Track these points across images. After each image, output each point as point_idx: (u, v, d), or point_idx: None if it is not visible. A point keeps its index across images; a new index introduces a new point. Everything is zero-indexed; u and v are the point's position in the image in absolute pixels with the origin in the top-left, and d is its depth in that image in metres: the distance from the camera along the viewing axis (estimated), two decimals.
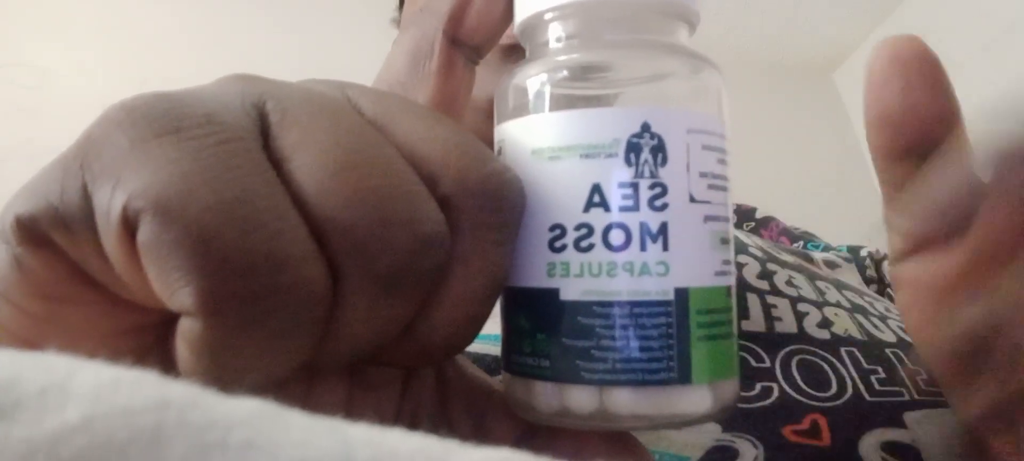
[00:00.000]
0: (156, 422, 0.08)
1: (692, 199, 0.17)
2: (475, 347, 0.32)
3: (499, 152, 0.18)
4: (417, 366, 0.17)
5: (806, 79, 1.86)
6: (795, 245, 0.57)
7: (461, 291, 0.15)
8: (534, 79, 0.18)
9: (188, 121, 0.13)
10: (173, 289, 0.12)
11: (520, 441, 0.18)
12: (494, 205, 0.15)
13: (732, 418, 0.28)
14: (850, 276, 0.51)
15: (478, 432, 0.18)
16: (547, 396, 0.17)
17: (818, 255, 0.51)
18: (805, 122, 1.82)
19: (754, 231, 0.61)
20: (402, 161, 0.15)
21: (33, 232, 0.13)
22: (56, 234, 0.13)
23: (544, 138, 0.17)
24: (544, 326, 0.17)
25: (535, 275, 0.17)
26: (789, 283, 0.37)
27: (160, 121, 0.13)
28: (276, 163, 0.14)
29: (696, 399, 0.16)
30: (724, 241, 0.17)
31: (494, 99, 0.19)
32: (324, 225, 0.13)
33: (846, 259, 0.53)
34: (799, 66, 1.84)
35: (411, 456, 0.09)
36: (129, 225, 0.12)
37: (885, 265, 0.54)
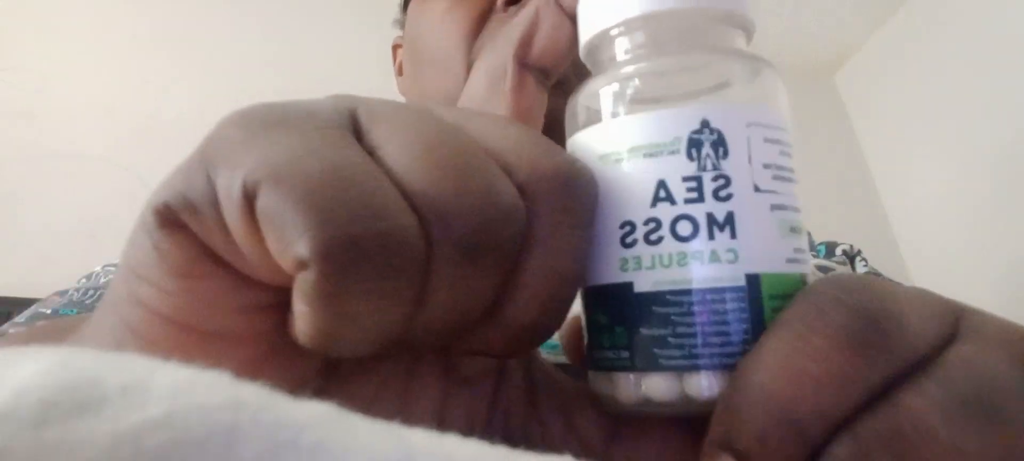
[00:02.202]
0: (232, 421, 0.09)
1: (757, 189, 0.17)
2: None
3: None
4: (506, 354, 0.17)
5: (807, 81, 1.87)
6: None
7: (543, 270, 0.16)
8: (602, 91, 0.19)
9: (292, 116, 0.15)
10: (289, 244, 0.14)
11: (608, 439, 0.19)
12: (568, 191, 0.16)
13: None
14: None
15: (567, 430, 0.19)
16: (628, 387, 0.17)
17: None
18: (806, 124, 1.82)
19: None
20: (480, 147, 0.16)
21: (168, 218, 0.15)
22: (187, 217, 0.15)
23: (610, 143, 0.18)
24: (621, 319, 0.17)
25: (609, 272, 0.18)
26: None
27: (268, 117, 0.15)
28: (369, 152, 0.16)
29: None
30: (794, 230, 0.18)
31: (565, 117, 0.20)
32: (412, 195, 0.15)
33: (840, 262, 0.54)
34: (800, 68, 1.85)
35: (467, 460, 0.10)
36: (248, 199, 0.14)
37: (858, 261, 0.55)
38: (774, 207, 0.17)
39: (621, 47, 0.20)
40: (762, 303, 0.17)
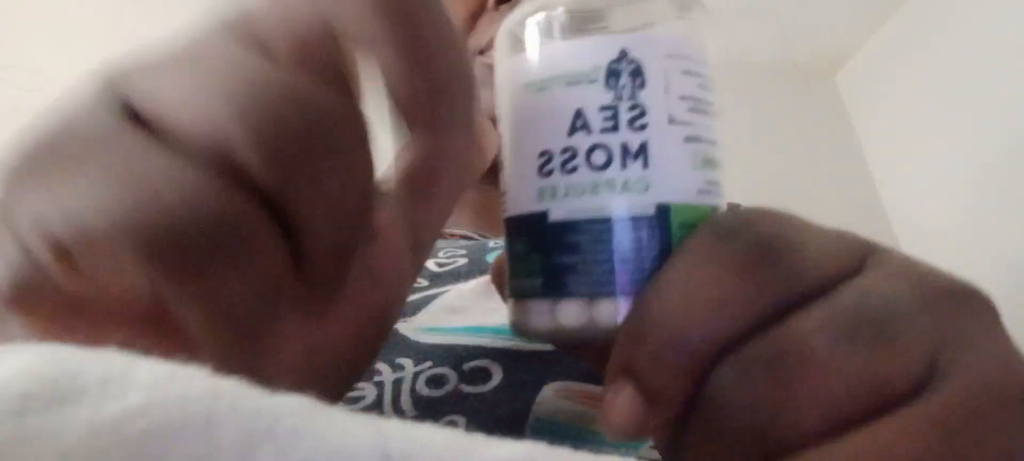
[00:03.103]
0: (209, 409, 0.09)
1: (671, 120, 0.17)
2: (440, 340, 0.32)
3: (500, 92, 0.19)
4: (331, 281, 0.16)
5: (808, 81, 1.87)
6: None
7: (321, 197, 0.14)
8: (527, 19, 0.19)
9: (64, 145, 0.14)
10: (122, 279, 0.13)
11: None
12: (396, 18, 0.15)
13: None
14: None
15: None
16: (542, 314, 0.17)
17: None
18: (806, 124, 1.82)
19: None
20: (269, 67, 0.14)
21: (11, 303, 0.14)
22: (25, 297, 0.14)
23: (532, 72, 0.18)
24: (536, 247, 0.17)
25: (527, 201, 0.18)
26: None
27: (42, 157, 0.14)
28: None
29: None
30: (708, 162, 0.18)
31: (495, 45, 0.20)
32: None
33: None
34: (800, 68, 1.84)
35: (440, 448, 0.10)
36: (64, 256, 0.13)
37: None
38: (688, 138, 0.17)
39: None
40: (671, 233, 0.17)
